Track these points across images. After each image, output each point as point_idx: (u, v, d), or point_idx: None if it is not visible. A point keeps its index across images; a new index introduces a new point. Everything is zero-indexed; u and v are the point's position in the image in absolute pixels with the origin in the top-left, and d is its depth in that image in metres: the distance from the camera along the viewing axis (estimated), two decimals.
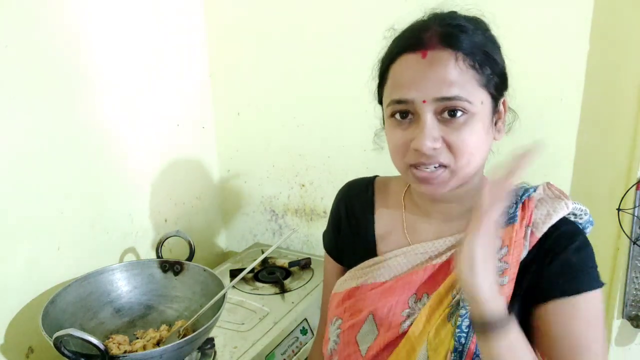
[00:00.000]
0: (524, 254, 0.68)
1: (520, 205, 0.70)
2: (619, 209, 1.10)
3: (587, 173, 1.17)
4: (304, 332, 1.20)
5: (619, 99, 1.10)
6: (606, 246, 1.16)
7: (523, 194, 0.71)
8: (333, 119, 1.44)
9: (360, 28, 1.32)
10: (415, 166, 0.67)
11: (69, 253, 1.17)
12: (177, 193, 1.51)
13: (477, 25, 0.68)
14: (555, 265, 0.67)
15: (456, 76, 0.63)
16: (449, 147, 0.65)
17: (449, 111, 0.64)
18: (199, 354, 1.05)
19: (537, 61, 1.13)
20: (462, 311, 0.67)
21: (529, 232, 0.68)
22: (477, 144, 0.66)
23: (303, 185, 1.56)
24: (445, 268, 0.72)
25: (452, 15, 0.69)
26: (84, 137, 1.18)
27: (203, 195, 1.62)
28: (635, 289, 1.15)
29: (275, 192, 1.61)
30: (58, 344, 0.81)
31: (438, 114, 0.65)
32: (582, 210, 0.72)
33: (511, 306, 0.65)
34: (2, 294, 1.04)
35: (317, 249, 1.60)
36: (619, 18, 1.07)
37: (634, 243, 1.11)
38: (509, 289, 0.67)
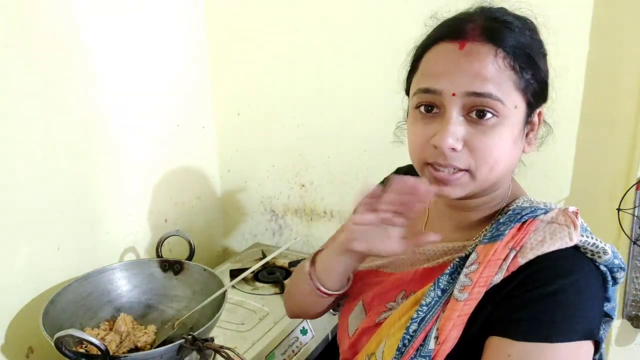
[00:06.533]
0: (498, 277, 0.60)
1: (516, 225, 0.62)
2: (619, 209, 1.10)
3: (587, 173, 1.17)
4: (304, 332, 1.20)
5: (619, 99, 1.10)
6: None
7: (528, 214, 0.63)
8: (333, 119, 1.44)
9: (360, 28, 1.32)
10: (433, 165, 0.62)
11: (69, 253, 1.17)
12: (177, 193, 1.51)
13: (526, 26, 0.63)
14: (521, 300, 0.58)
15: (493, 73, 0.58)
16: (472, 151, 0.60)
17: (478, 111, 0.59)
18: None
19: None
20: (414, 314, 0.63)
21: (512, 255, 0.60)
22: (502, 152, 0.61)
23: (303, 185, 1.56)
24: (431, 272, 0.69)
25: (501, 10, 0.64)
26: (84, 137, 1.18)
27: (203, 195, 1.62)
28: (635, 289, 1.15)
29: (275, 192, 1.61)
30: (59, 344, 0.81)
31: (466, 112, 0.60)
32: (597, 247, 0.61)
33: (470, 329, 0.60)
34: (2, 294, 1.04)
35: (317, 249, 1.60)
36: (619, 18, 1.07)
37: (634, 243, 1.11)
38: (468, 307, 0.60)
